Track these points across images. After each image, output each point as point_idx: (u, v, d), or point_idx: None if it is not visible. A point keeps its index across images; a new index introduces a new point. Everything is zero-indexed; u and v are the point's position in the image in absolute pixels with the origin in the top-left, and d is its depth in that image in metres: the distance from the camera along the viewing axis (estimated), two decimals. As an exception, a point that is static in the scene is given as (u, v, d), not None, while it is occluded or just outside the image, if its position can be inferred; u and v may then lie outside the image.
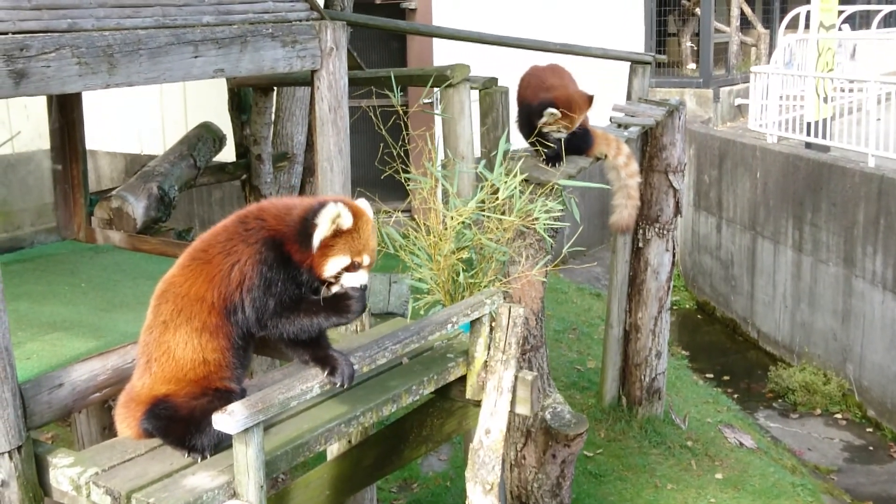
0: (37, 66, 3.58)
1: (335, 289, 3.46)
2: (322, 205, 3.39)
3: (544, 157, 6.19)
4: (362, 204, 3.57)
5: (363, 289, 3.49)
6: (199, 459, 3.46)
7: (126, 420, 3.63)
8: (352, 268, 3.43)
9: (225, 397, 3.34)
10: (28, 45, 3.55)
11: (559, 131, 6.10)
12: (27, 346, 4.25)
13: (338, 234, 3.39)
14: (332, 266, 3.40)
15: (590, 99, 6.13)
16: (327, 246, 3.38)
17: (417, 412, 4.60)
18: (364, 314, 4.71)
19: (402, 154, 5.10)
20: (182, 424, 3.44)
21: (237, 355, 3.50)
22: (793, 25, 15.46)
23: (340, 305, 3.48)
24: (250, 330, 3.48)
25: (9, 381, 3.52)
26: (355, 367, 3.59)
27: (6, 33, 3.54)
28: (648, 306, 8.58)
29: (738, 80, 16.92)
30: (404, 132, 5.29)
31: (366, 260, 3.46)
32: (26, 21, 3.64)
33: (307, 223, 3.38)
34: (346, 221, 3.38)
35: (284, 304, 3.43)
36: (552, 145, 6.13)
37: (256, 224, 3.45)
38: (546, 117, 6.00)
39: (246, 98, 8.41)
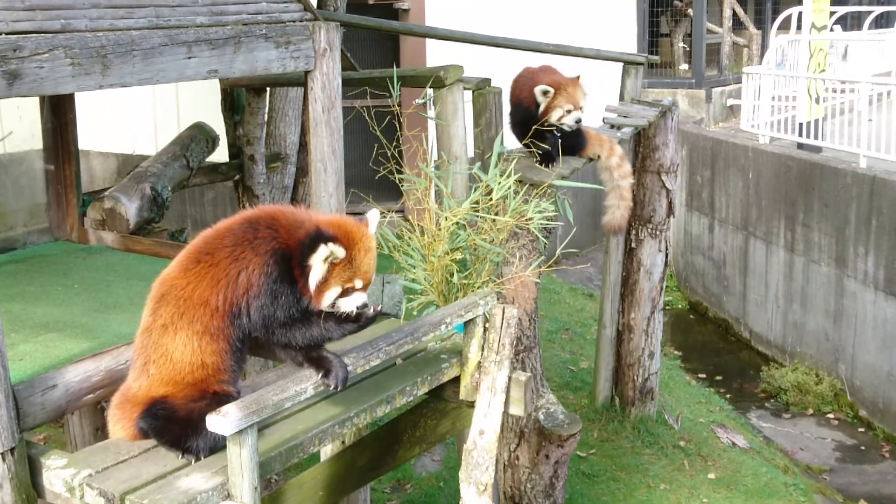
0: (30, 66, 3.58)
1: (342, 308, 3.48)
2: (313, 242, 3.35)
3: (538, 157, 6.20)
4: (371, 217, 3.57)
5: (362, 307, 3.49)
6: (194, 461, 3.46)
7: (120, 421, 3.62)
8: (344, 294, 3.44)
9: (223, 401, 3.33)
10: (21, 46, 3.55)
11: (568, 113, 6.05)
12: (20, 348, 4.24)
13: (331, 268, 3.38)
14: (326, 299, 3.42)
15: (576, 78, 6.14)
16: (322, 281, 3.40)
17: (411, 413, 4.60)
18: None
19: (396, 155, 5.10)
20: (179, 426, 3.44)
21: (235, 358, 3.50)
22: (785, 26, 15.50)
23: (346, 317, 3.50)
24: (252, 333, 3.48)
25: (1, 382, 3.51)
26: (349, 368, 3.59)
27: (-1, 34, 3.54)
28: (641, 307, 8.59)
29: (731, 81, 16.96)
30: (398, 133, 5.30)
31: (358, 284, 3.45)
32: (19, 22, 3.64)
33: (304, 258, 3.37)
34: (339, 255, 3.37)
35: (292, 316, 3.44)
36: (546, 147, 6.14)
37: (268, 234, 3.42)
38: (539, 97, 5.99)
39: (239, 98, 8.40)
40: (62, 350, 4.25)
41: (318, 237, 3.35)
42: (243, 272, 3.37)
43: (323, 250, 3.34)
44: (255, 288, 3.37)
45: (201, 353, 3.42)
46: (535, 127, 6.03)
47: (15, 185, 6.32)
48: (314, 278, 3.37)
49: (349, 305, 3.46)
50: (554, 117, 6.06)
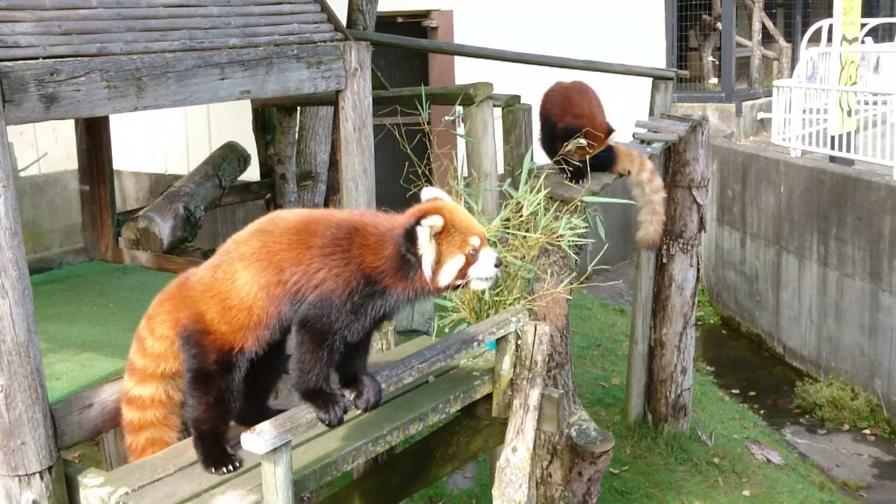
0: (67, 90, 3.63)
1: (474, 285, 3.39)
2: (410, 235, 3.27)
3: (568, 174, 6.20)
4: (438, 196, 3.48)
5: (498, 264, 3.36)
6: (225, 472, 3.48)
7: (172, 299, 3.70)
8: (471, 260, 3.33)
9: (239, 368, 3.53)
10: (58, 70, 3.60)
11: (574, 157, 6.14)
12: (57, 367, 4.29)
13: (439, 242, 3.30)
14: (448, 273, 3.32)
15: (610, 131, 6.19)
16: (436, 260, 3.31)
17: (444, 430, 4.60)
18: (389, 332, 4.74)
19: (427, 172, 5.12)
20: (206, 381, 3.54)
21: (276, 325, 3.49)
22: (815, 39, 15.41)
23: None
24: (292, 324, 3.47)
25: (40, 401, 3.55)
26: (382, 386, 3.60)
27: (37, 58, 3.59)
28: (673, 322, 8.54)
29: (761, 95, 16.86)
30: (428, 150, 5.32)
31: (475, 241, 3.32)
32: (56, 46, 3.70)
33: (407, 258, 3.30)
34: (438, 222, 3.27)
35: (330, 331, 3.35)
36: (577, 163, 6.15)
37: (357, 253, 3.34)
38: (571, 145, 6.04)
39: (270, 118, 8.47)
40: (98, 369, 4.29)
41: (410, 228, 3.28)
42: (322, 271, 3.33)
43: (422, 231, 3.26)
44: (328, 291, 3.32)
45: (253, 301, 3.44)
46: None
47: (51, 205, 6.41)
48: (427, 261, 3.27)
49: (485, 268, 3.34)
50: (563, 151, 6.11)
